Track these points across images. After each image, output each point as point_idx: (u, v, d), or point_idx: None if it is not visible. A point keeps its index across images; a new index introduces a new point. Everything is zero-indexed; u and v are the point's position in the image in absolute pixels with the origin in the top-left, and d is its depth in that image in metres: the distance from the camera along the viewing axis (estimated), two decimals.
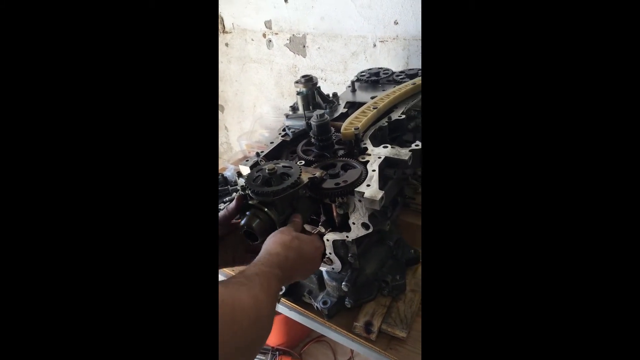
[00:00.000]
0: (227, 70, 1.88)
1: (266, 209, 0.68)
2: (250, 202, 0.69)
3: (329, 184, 0.71)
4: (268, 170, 0.69)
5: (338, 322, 0.87)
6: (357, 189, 0.68)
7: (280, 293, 0.92)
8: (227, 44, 1.80)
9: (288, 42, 1.57)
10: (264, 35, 1.64)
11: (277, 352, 1.70)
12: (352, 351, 1.78)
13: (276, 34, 1.59)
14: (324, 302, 0.87)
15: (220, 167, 1.56)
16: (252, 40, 1.69)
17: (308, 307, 0.92)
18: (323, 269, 0.88)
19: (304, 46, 1.53)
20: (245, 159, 0.86)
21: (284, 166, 0.72)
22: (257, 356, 1.67)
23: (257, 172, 0.72)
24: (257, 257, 0.59)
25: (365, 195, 0.67)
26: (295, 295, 0.94)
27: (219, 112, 2.08)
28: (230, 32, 1.75)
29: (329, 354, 1.83)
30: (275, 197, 0.67)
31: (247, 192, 0.69)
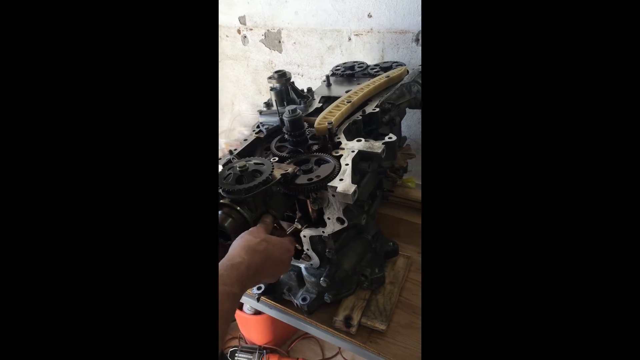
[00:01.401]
0: None
1: (238, 208, 0.67)
2: (221, 200, 0.68)
3: (302, 179, 0.71)
4: (239, 167, 0.68)
5: (318, 317, 0.87)
6: (330, 184, 0.68)
7: (259, 292, 0.91)
8: None
9: (263, 37, 1.55)
10: (239, 31, 1.61)
11: (265, 351, 1.69)
12: (339, 347, 1.79)
13: (251, 29, 1.57)
14: (304, 299, 0.87)
15: None
16: (227, 36, 1.66)
17: (288, 304, 0.92)
18: (302, 265, 0.88)
19: (280, 41, 1.51)
20: (219, 158, 0.85)
21: (255, 163, 0.71)
22: (245, 355, 1.66)
23: (228, 170, 0.70)
24: (219, 268, 0.58)
25: (338, 189, 0.66)
26: (275, 293, 0.93)
27: None
28: None
29: (317, 350, 1.83)
30: (247, 195, 0.66)
31: (218, 190, 0.68)
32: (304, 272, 0.89)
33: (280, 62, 1.56)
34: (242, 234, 0.65)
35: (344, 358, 1.77)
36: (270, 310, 0.94)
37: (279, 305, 0.92)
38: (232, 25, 1.61)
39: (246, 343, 1.80)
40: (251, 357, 1.67)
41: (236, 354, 1.68)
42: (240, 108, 1.83)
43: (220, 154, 1.61)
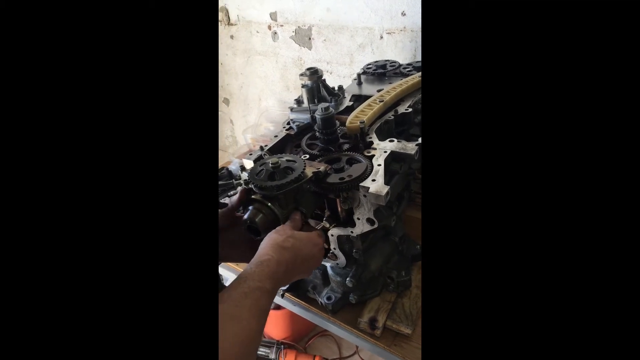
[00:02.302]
0: (232, 63, 1.87)
1: (269, 204, 0.67)
2: (253, 196, 0.69)
3: (333, 178, 0.70)
4: (271, 164, 0.68)
5: (342, 317, 0.87)
6: (362, 184, 0.67)
7: (284, 289, 0.92)
8: (232, 37, 1.78)
9: (293, 34, 1.55)
10: (269, 27, 1.62)
11: (282, 346, 1.70)
12: (357, 346, 1.78)
13: (281, 25, 1.57)
14: (328, 298, 0.87)
15: (225, 160, 1.56)
16: (258, 32, 1.67)
17: (312, 302, 0.92)
18: (327, 264, 0.87)
19: (310, 38, 1.51)
20: (250, 153, 0.85)
21: (287, 160, 0.71)
22: (262, 349, 1.67)
23: (260, 166, 0.71)
24: (249, 266, 0.58)
25: (370, 190, 0.65)
26: (299, 290, 0.93)
27: (225, 106, 2.07)
28: (236, 25, 1.74)
29: (334, 348, 1.83)
30: (278, 192, 0.66)
31: (250, 185, 0.68)
32: (329, 271, 0.88)
33: (310, 59, 1.56)
34: (269, 234, 0.65)
35: (360, 358, 1.77)
36: (293, 307, 0.95)
37: (303, 302, 0.92)
38: (262, 21, 1.62)
39: (264, 337, 1.82)
40: (269, 351, 1.68)
41: None
42: (267, 104, 1.84)
43: (246, 149, 1.63)
